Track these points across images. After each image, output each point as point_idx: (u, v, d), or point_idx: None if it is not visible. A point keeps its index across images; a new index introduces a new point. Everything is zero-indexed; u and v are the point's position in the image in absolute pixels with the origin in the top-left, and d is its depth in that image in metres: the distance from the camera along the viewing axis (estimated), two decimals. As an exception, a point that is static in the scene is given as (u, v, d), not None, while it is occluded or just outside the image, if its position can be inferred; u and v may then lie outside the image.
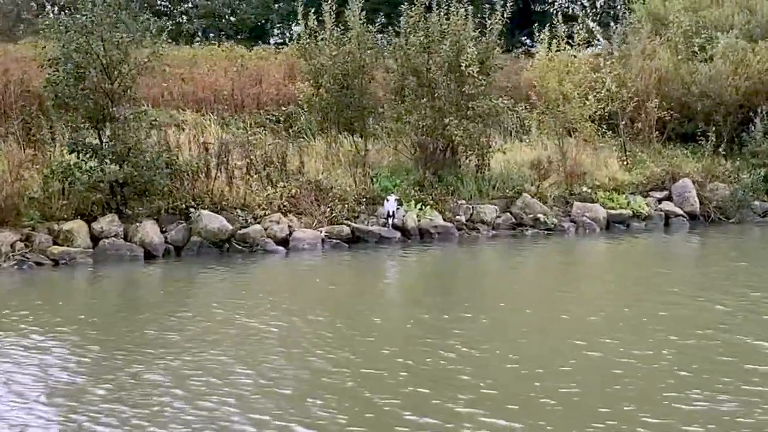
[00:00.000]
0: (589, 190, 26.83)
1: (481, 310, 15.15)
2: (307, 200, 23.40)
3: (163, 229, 21.29)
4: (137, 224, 20.89)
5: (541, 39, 28.26)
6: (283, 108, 28.31)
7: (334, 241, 22.40)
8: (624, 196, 26.90)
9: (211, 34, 44.17)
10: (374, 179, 24.96)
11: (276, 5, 46.36)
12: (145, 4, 42.09)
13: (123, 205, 21.34)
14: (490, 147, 26.25)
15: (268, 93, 28.68)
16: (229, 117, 27.61)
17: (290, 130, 27.32)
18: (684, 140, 30.94)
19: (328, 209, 23.33)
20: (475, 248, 23.11)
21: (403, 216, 23.72)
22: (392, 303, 17.02)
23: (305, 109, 27.26)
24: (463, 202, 25.15)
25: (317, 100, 26.69)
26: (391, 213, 23.35)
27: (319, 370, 11.45)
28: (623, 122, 29.21)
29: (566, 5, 48.43)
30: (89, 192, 20.96)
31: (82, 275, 19.17)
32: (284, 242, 21.93)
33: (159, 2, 45.48)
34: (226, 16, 46.50)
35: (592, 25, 38.77)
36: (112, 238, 20.52)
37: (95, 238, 20.53)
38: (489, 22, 25.84)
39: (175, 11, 45.47)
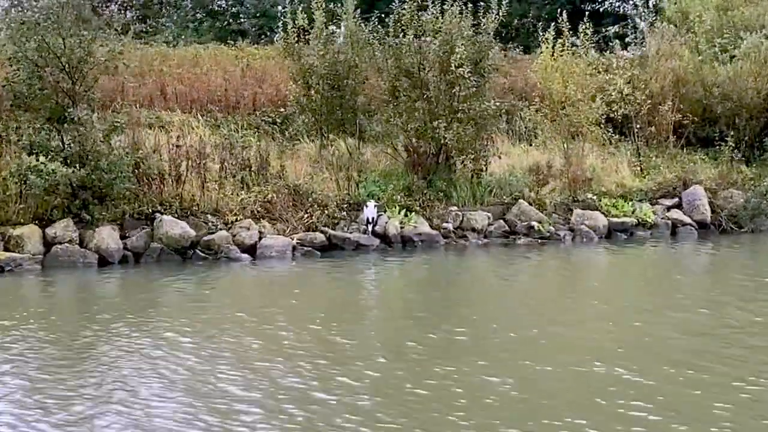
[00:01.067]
0: (594, 197, 25.51)
1: (456, 327, 14.05)
2: (284, 205, 22.39)
3: (126, 235, 20.48)
4: (93, 230, 19.94)
5: (545, 38, 26.94)
6: (281, 110, 27.13)
7: (306, 248, 21.34)
8: (630, 203, 25.51)
9: (264, 35, 43.04)
10: (360, 184, 23.84)
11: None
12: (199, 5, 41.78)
13: (84, 210, 20.41)
14: (486, 151, 24.95)
15: (267, 94, 27.66)
16: (222, 118, 26.56)
17: (286, 132, 26.19)
18: (704, 145, 29.34)
19: (307, 215, 22.31)
20: (460, 257, 22.04)
21: (386, 223, 22.60)
22: (356, 318, 15.64)
23: (296, 111, 26.16)
24: (455, 208, 24.05)
25: (306, 101, 25.66)
26: (370, 219, 22.37)
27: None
28: (638, 126, 27.74)
29: (618, 4, 46.34)
30: (46, 195, 20.07)
31: (18, 282, 18.28)
32: (252, 250, 20.98)
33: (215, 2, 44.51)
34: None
35: (642, 24, 37.21)
36: (66, 244, 19.73)
37: (49, 244, 19.70)
38: (483, 21, 24.57)
39: (227, 12, 44.43)
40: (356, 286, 19.14)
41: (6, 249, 19.40)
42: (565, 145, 26.35)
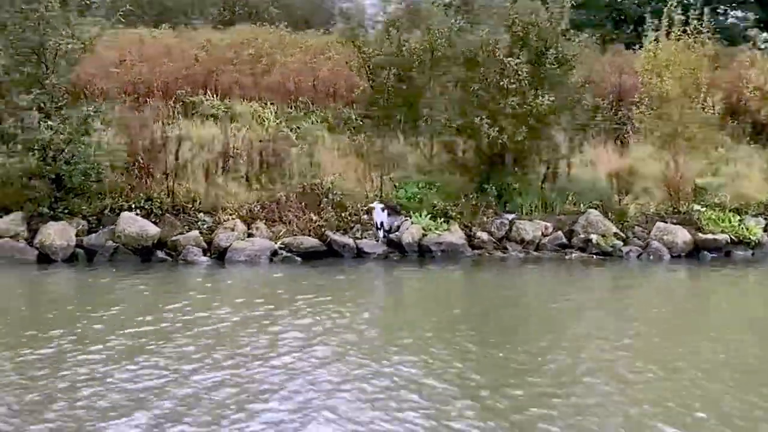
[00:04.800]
0: (701, 209, 21.47)
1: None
2: (294, 206, 20.08)
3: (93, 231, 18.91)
4: (42, 225, 18.58)
5: (648, 29, 23.08)
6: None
7: (285, 254, 18.97)
8: (738, 218, 21.27)
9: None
10: (398, 185, 21.15)
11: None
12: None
13: (60, 202, 19.16)
14: (557, 154, 21.64)
15: (351, 85, 25.22)
16: (298, 110, 24.65)
17: (353, 128, 23.81)
18: None
19: (317, 217, 19.90)
20: (473, 272, 19.04)
21: (407, 229, 19.87)
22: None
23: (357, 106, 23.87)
24: (512, 216, 20.91)
25: (368, 96, 23.28)
26: (380, 224, 19.60)
27: None
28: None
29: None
30: (4, 186, 18.97)
31: None
32: (224, 253, 18.80)
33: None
34: None
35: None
36: (7, 239, 18.30)
37: (-6, 238, 18.52)
38: (550, 6, 21.33)
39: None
40: (335, 301, 15.26)
41: (-53, 243, 18.33)
42: (672, 147, 22.36)
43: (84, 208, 19.39)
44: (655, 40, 22.85)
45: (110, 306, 14.30)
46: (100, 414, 8.96)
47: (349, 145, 22.83)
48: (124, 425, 8.66)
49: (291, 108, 25.05)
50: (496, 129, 20.67)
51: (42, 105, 19.05)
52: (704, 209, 21.74)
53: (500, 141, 20.90)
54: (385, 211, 20.04)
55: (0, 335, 12.28)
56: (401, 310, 15.63)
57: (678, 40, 22.49)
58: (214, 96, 24.99)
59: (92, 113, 19.48)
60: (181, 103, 24.36)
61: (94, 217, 19.36)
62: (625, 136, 24.55)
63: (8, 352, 11.14)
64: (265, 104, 24.80)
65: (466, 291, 17.61)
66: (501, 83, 20.81)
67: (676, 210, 21.85)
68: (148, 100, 23.96)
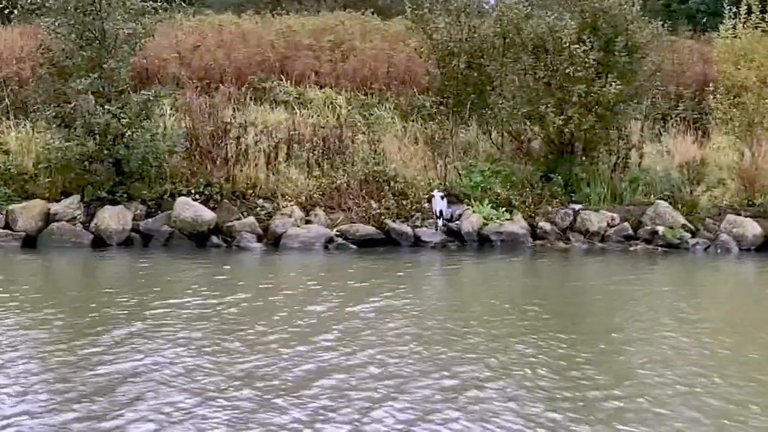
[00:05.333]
0: (780, 201, 20.81)
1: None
2: (355, 193, 19.89)
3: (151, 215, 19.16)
4: (100, 209, 18.71)
5: (726, 15, 22.32)
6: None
7: (341, 241, 18.79)
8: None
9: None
10: (463, 173, 20.82)
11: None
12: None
13: (119, 186, 19.29)
14: (627, 142, 21.12)
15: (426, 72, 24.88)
16: (372, 97, 24.63)
17: (427, 115, 23.47)
18: None
19: (378, 204, 19.71)
20: (531, 263, 18.61)
21: (467, 218, 19.58)
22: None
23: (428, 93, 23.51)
24: (578, 206, 20.41)
25: (436, 82, 22.96)
26: (439, 213, 19.33)
27: None
28: None
29: None
30: (65, 170, 19.11)
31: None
32: (279, 239, 18.73)
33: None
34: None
35: None
36: (64, 222, 18.41)
37: (50, 221, 18.62)
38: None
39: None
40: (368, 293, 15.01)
41: (6, 225, 18.48)
42: (752, 139, 21.67)
43: (144, 192, 19.44)
44: (732, 27, 22.09)
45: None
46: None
47: (417, 133, 22.55)
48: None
49: (365, 95, 24.92)
50: (562, 117, 20.22)
51: (102, 89, 19.12)
52: (781, 201, 20.99)
53: (567, 130, 20.46)
54: (444, 199, 19.72)
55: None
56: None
57: (756, 28, 21.74)
58: (289, 82, 24.96)
59: (152, 98, 19.50)
60: (253, 89, 24.39)
61: (154, 202, 19.41)
62: (707, 126, 23.79)
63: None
64: (339, 91, 24.70)
65: (526, 281, 17.13)
66: (567, 71, 20.32)
67: (751, 202, 21.12)
68: (220, 85, 23.99)
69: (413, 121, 23.24)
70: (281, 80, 25.13)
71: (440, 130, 21.89)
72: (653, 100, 21.90)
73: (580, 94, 20.24)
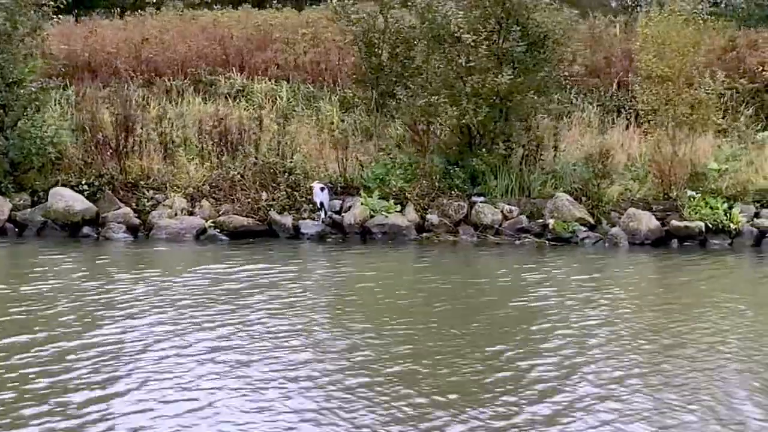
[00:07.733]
0: (696, 194, 20.01)
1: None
2: (248, 185, 19.87)
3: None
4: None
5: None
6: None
7: (212, 233, 18.85)
8: (725, 205, 19.73)
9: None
10: (365, 166, 20.62)
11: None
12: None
13: (8, 177, 19.90)
14: (530, 136, 20.73)
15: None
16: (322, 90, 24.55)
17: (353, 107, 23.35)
18: None
19: (268, 196, 19.62)
20: (403, 254, 18.52)
21: (353, 210, 19.39)
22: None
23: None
24: (480, 199, 20.09)
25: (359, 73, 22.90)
26: (320, 204, 19.18)
27: None
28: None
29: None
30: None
31: None
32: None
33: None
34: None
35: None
36: (-64, 213, 19.00)
37: None
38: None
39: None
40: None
41: None
42: (672, 132, 20.95)
43: (38, 183, 19.86)
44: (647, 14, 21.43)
45: None
46: None
47: (322, 123, 22.42)
48: None
49: (319, 88, 24.72)
50: (456, 109, 19.81)
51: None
52: (698, 195, 20.18)
53: (462, 122, 20.06)
54: (325, 191, 19.60)
55: None
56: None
57: (671, 14, 21.01)
58: (245, 76, 24.88)
59: (37, 90, 19.89)
60: (197, 82, 24.51)
61: (44, 193, 19.70)
62: (628, 118, 23.01)
63: None
64: (280, 84, 24.58)
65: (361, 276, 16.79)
66: (460, 61, 19.93)
67: (667, 196, 20.41)
68: (158, 78, 24.25)
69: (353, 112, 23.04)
70: (234, 73, 25.07)
71: (365, 122, 21.82)
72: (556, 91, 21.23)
73: (473, 85, 19.80)
